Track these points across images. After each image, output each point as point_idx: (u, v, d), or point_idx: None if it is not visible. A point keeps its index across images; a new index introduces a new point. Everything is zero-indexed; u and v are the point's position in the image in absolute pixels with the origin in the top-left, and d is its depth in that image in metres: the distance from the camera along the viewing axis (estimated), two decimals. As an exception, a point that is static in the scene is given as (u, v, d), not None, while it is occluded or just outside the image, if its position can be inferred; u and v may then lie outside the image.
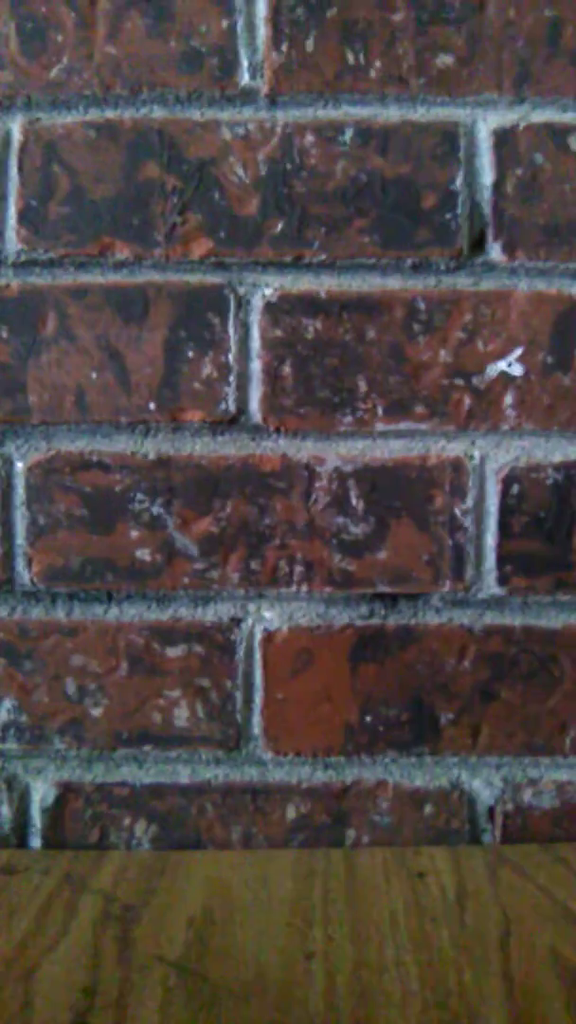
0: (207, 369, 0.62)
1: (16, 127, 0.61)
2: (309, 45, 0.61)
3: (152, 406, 0.63)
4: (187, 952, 0.51)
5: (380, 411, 0.62)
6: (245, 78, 0.61)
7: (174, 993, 0.47)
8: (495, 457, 0.63)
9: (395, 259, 0.62)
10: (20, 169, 0.62)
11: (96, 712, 0.64)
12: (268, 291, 0.62)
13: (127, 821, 0.64)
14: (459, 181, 0.61)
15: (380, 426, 0.62)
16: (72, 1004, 0.46)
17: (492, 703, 0.64)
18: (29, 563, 0.63)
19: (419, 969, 0.49)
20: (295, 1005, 0.46)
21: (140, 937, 0.52)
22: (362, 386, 0.62)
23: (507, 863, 0.61)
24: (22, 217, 0.62)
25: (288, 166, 0.61)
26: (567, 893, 0.56)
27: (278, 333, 0.62)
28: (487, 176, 0.61)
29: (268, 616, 0.63)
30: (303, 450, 0.63)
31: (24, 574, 0.63)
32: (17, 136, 0.61)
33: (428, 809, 0.64)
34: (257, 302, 0.62)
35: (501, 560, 0.63)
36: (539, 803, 0.64)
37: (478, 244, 0.62)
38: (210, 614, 0.64)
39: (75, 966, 0.49)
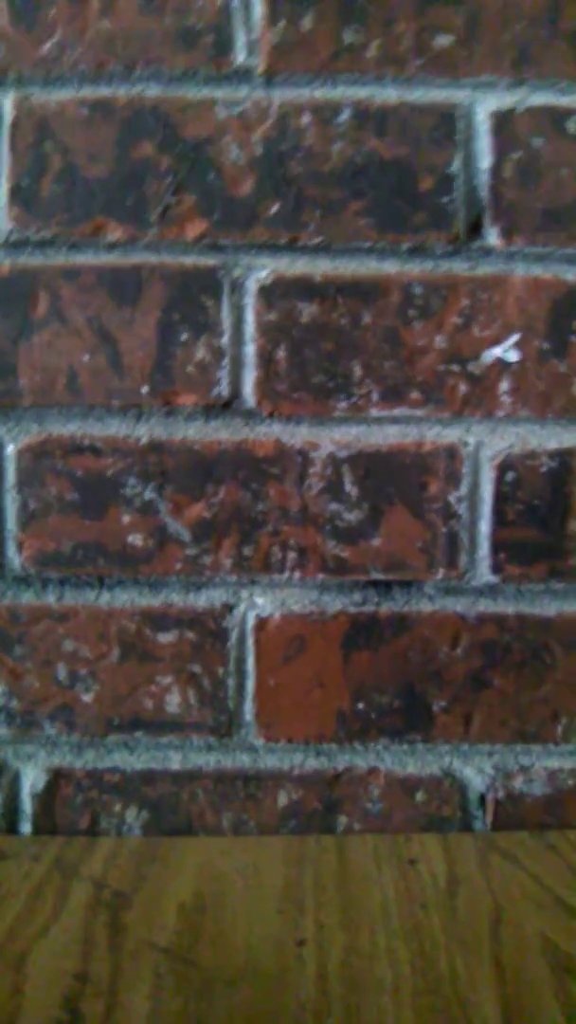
0: (201, 353, 0.62)
1: (7, 103, 0.60)
2: (306, 23, 0.60)
3: (145, 389, 0.62)
4: (178, 939, 0.51)
5: (375, 397, 0.62)
6: (241, 56, 0.60)
7: (165, 979, 0.47)
8: (490, 444, 0.62)
9: (391, 243, 0.61)
10: (11, 147, 0.60)
11: (87, 698, 0.63)
12: (263, 274, 0.61)
13: (118, 807, 0.64)
14: (457, 164, 0.60)
15: (375, 412, 0.62)
16: (63, 990, 0.46)
17: (484, 691, 0.63)
18: (20, 547, 0.63)
19: (410, 956, 0.49)
20: (286, 992, 0.46)
21: (131, 923, 0.52)
22: (357, 371, 0.62)
23: (498, 850, 0.61)
24: (13, 196, 0.61)
25: (284, 147, 0.60)
26: (558, 880, 0.57)
27: (273, 317, 0.61)
28: (485, 159, 0.61)
29: (260, 602, 0.63)
30: (297, 435, 0.62)
31: (15, 559, 0.63)
32: (9, 112, 0.60)
33: (420, 796, 0.64)
34: (252, 285, 0.61)
35: (495, 547, 0.63)
36: (530, 790, 0.64)
37: (475, 228, 0.61)
38: (202, 600, 0.63)
39: (66, 953, 0.49)
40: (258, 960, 0.48)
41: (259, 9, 0.60)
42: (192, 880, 0.57)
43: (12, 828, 0.64)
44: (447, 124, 0.60)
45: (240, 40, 0.60)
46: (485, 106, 0.60)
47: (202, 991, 0.46)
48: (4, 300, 0.61)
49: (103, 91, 0.60)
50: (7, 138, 0.60)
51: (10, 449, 0.62)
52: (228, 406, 0.62)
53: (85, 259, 0.61)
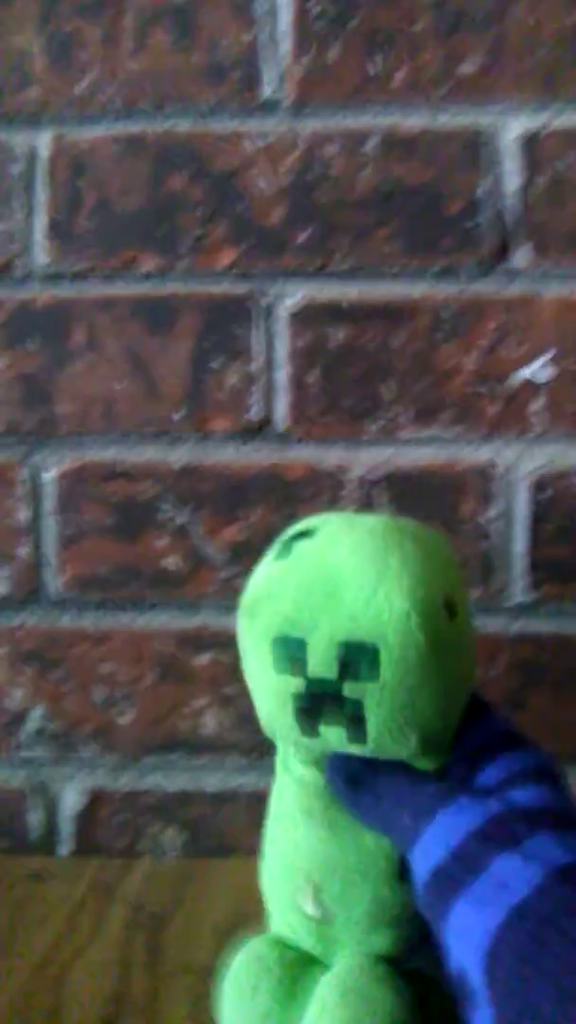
0: (233, 379, 0.63)
1: (43, 143, 0.62)
2: (331, 56, 0.61)
3: (178, 416, 0.63)
4: (215, 960, 0.51)
5: (406, 419, 0.62)
6: (269, 90, 0.61)
7: (202, 1001, 0.47)
8: (522, 464, 0.62)
9: (420, 266, 0.62)
10: (47, 184, 0.62)
11: (124, 720, 0.64)
12: (293, 300, 0.62)
13: (155, 828, 0.65)
14: (483, 188, 0.61)
15: (406, 434, 0.62)
16: (101, 1012, 0.46)
17: (522, 711, 0.63)
18: (58, 572, 0.64)
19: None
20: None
21: (168, 945, 0.52)
22: (387, 394, 0.62)
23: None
24: (50, 231, 0.63)
25: (312, 176, 0.62)
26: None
27: (303, 342, 0.62)
28: (512, 182, 0.61)
29: (295, 624, 0.63)
30: (329, 458, 0.63)
31: (53, 583, 0.64)
32: (44, 152, 0.62)
33: (457, 818, 0.64)
34: (282, 312, 0.62)
35: (531, 567, 0.62)
36: (570, 813, 0.63)
37: (503, 250, 0.61)
38: (236, 622, 0.64)
39: (104, 974, 0.49)
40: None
41: (287, 43, 0.61)
42: (228, 901, 0.57)
43: (51, 850, 0.65)
44: (473, 149, 0.61)
45: (268, 74, 0.61)
46: (511, 130, 0.61)
47: (238, 1013, 0.46)
48: (42, 331, 0.63)
49: (134, 128, 0.62)
50: (43, 176, 0.62)
51: (48, 476, 0.64)
52: (260, 430, 0.63)
53: (119, 290, 0.63)
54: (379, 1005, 0.36)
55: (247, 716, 0.64)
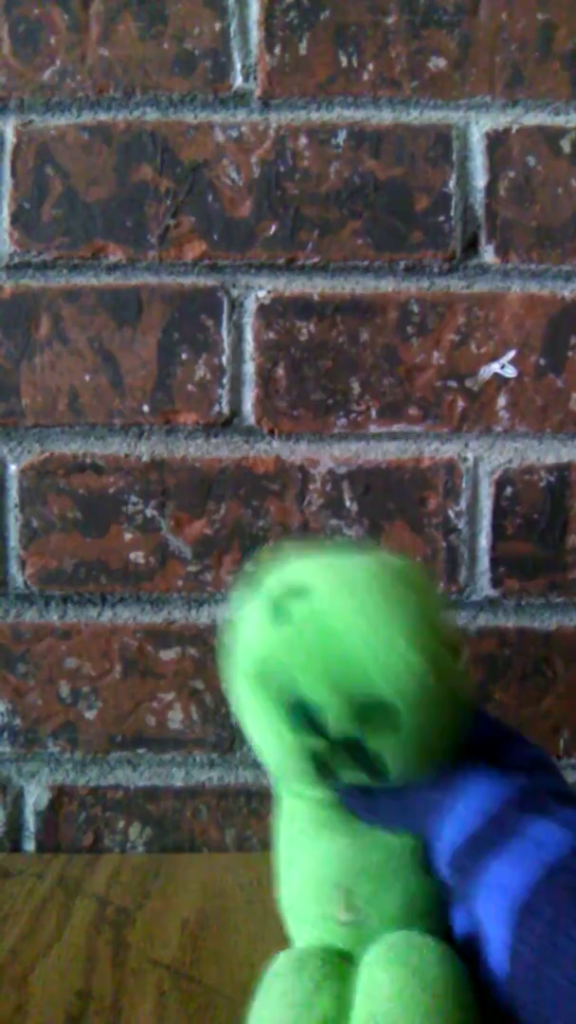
0: (201, 371, 0.62)
1: (9, 129, 0.61)
2: (302, 48, 0.61)
3: (146, 408, 0.63)
4: (181, 955, 0.51)
5: (374, 413, 0.62)
6: (238, 81, 0.61)
7: (168, 997, 0.47)
8: (488, 459, 0.63)
9: (388, 261, 0.62)
10: (13, 171, 0.62)
11: (90, 715, 0.64)
12: (261, 293, 0.62)
13: (121, 824, 0.64)
14: (452, 183, 0.61)
15: (374, 428, 0.62)
16: (66, 1008, 0.46)
17: (486, 705, 0.64)
18: (23, 566, 0.63)
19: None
20: (290, 1008, 0.46)
21: (134, 941, 0.52)
22: (356, 388, 0.62)
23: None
24: (15, 219, 0.62)
25: (281, 168, 0.61)
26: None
27: (271, 335, 0.62)
28: (480, 179, 0.61)
29: (262, 618, 0.63)
30: (297, 452, 0.63)
31: (17, 577, 0.63)
32: (10, 138, 0.61)
33: (422, 811, 0.64)
34: (250, 304, 0.62)
35: (495, 562, 0.63)
36: (533, 805, 0.64)
37: (471, 246, 0.62)
38: (204, 616, 0.64)
39: (69, 970, 0.49)
40: (260, 976, 0.48)
41: (256, 35, 0.61)
42: (195, 897, 0.57)
43: (16, 846, 0.64)
44: (442, 144, 0.61)
45: (237, 65, 0.61)
46: (480, 126, 0.61)
47: (205, 1008, 0.46)
48: (6, 321, 0.62)
49: (102, 116, 0.61)
50: (9, 163, 0.61)
51: (13, 468, 0.63)
52: (228, 424, 0.63)
53: (86, 281, 0.62)
54: (429, 951, 0.36)
55: (214, 711, 0.63)
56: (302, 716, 0.36)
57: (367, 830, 0.40)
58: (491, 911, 0.31)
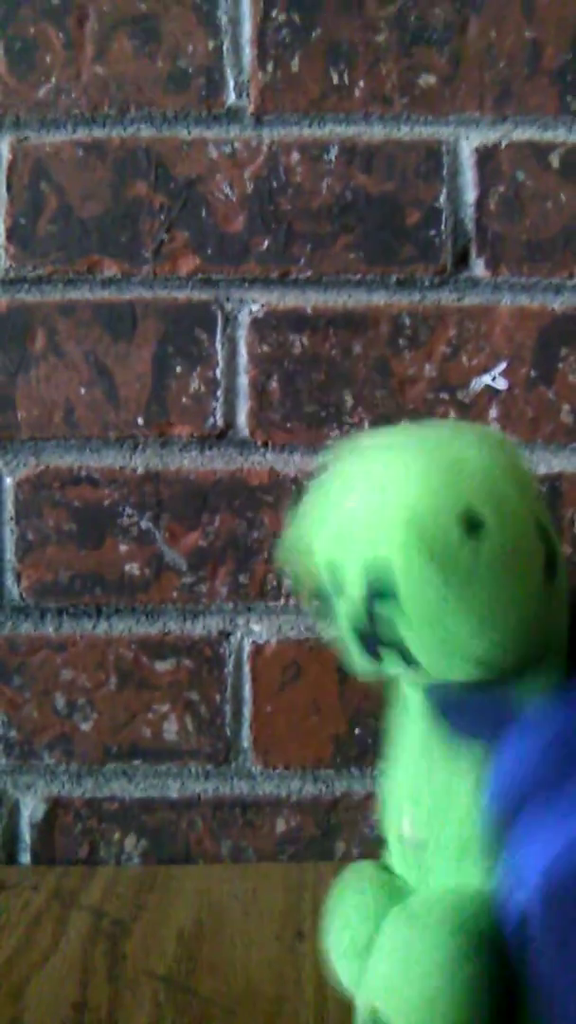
0: (195, 384, 0.63)
1: (4, 145, 0.62)
2: (294, 65, 0.62)
3: (140, 421, 0.63)
4: (177, 967, 0.51)
5: (367, 425, 0.63)
6: (231, 97, 0.62)
7: (164, 1008, 0.47)
8: (481, 470, 0.63)
9: (380, 275, 0.62)
10: (8, 187, 0.62)
11: (85, 727, 0.64)
12: (255, 307, 0.63)
13: (117, 836, 0.64)
14: (443, 198, 0.62)
15: (367, 440, 0.63)
16: (62, 1020, 0.46)
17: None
18: (18, 578, 0.63)
19: (409, 981, 0.49)
20: (285, 1019, 0.46)
21: (130, 952, 0.52)
22: (349, 400, 0.63)
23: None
24: (11, 235, 0.62)
25: (274, 184, 0.62)
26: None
27: (265, 348, 0.63)
28: (470, 193, 0.62)
29: (257, 629, 0.64)
30: (291, 464, 0.63)
31: (13, 589, 0.63)
32: (5, 154, 0.62)
33: (417, 821, 0.64)
34: (244, 318, 0.63)
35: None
36: (527, 814, 0.64)
37: (462, 260, 0.62)
38: (199, 628, 0.64)
39: (65, 982, 0.49)
40: (257, 987, 0.49)
41: (249, 52, 0.62)
42: (191, 908, 0.57)
43: (11, 858, 0.64)
44: (433, 160, 0.62)
45: (231, 82, 0.62)
46: (469, 142, 0.62)
47: (201, 1019, 0.46)
48: (2, 336, 0.63)
49: (97, 133, 0.62)
50: (4, 179, 0.62)
51: (8, 481, 0.63)
52: (223, 436, 0.63)
53: (81, 295, 0.63)
54: (431, 946, 0.34)
55: (209, 722, 0.64)
56: (334, 577, 0.34)
57: (442, 756, 0.37)
58: (528, 860, 0.29)
